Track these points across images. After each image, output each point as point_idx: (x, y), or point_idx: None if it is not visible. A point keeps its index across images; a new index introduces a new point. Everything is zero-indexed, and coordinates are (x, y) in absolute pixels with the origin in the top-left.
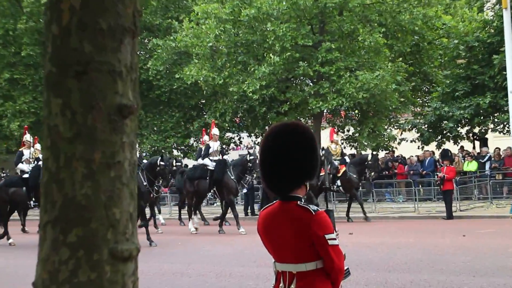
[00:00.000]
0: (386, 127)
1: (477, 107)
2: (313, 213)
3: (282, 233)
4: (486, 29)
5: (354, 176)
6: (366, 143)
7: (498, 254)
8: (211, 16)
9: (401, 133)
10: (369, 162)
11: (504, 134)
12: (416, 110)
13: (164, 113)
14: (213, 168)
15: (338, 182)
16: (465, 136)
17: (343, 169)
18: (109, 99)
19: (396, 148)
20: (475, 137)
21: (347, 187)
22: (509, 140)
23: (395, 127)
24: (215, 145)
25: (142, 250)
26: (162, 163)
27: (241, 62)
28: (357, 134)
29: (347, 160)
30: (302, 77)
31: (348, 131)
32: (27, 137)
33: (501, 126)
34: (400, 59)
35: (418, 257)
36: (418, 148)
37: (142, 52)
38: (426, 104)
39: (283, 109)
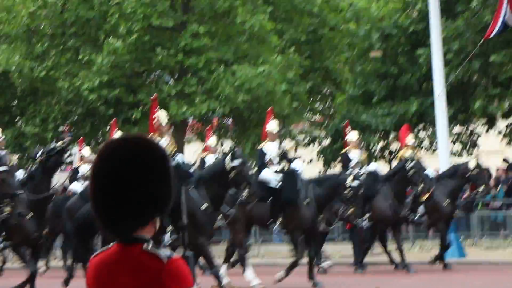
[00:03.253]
0: None
1: (400, 117)
2: (165, 262)
3: None
4: (408, 12)
5: (445, 201)
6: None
7: None
8: None
9: (296, 150)
10: (472, 173)
11: (433, 151)
12: (315, 119)
13: None
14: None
15: (421, 209)
16: (379, 154)
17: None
18: None
19: None
20: (392, 155)
21: (433, 216)
22: (435, 159)
23: (288, 139)
24: (273, 149)
25: None
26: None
27: (71, 49)
28: None
29: (431, 174)
30: (159, 71)
31: (222, 145)
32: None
33: (427, 141)
34: (293, 49)
35: None
36: (320, 173)
37: None
38: (328, 111)
39: (134, 117)
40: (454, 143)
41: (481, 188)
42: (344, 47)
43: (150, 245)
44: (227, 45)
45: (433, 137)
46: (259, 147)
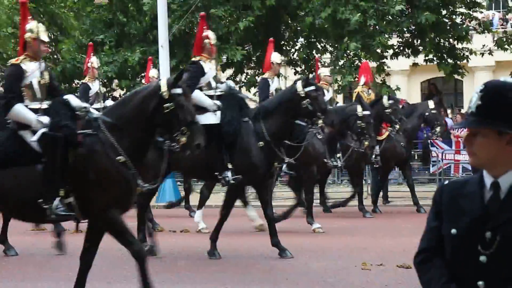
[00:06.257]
0: None
1: (123, 64)
2: None
3: None
4: None
5: (402, 143)
6: None
7: None
8: None
9: None
10: (430, 112)
11: None
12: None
13: None
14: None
15: (377, 149)
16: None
17: (387, 130)
18: None
19: None
20: None
21: (387, 159)
22: None
23: None
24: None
25: None
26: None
27: None
28: None
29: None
30: None
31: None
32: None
33: None
34: None
35: None
36: None
37: None
38: (53, 57)
39: None
40: None
41: (438, 129)
42: None
43: None
44: None
45: None
46: (262, 77)
